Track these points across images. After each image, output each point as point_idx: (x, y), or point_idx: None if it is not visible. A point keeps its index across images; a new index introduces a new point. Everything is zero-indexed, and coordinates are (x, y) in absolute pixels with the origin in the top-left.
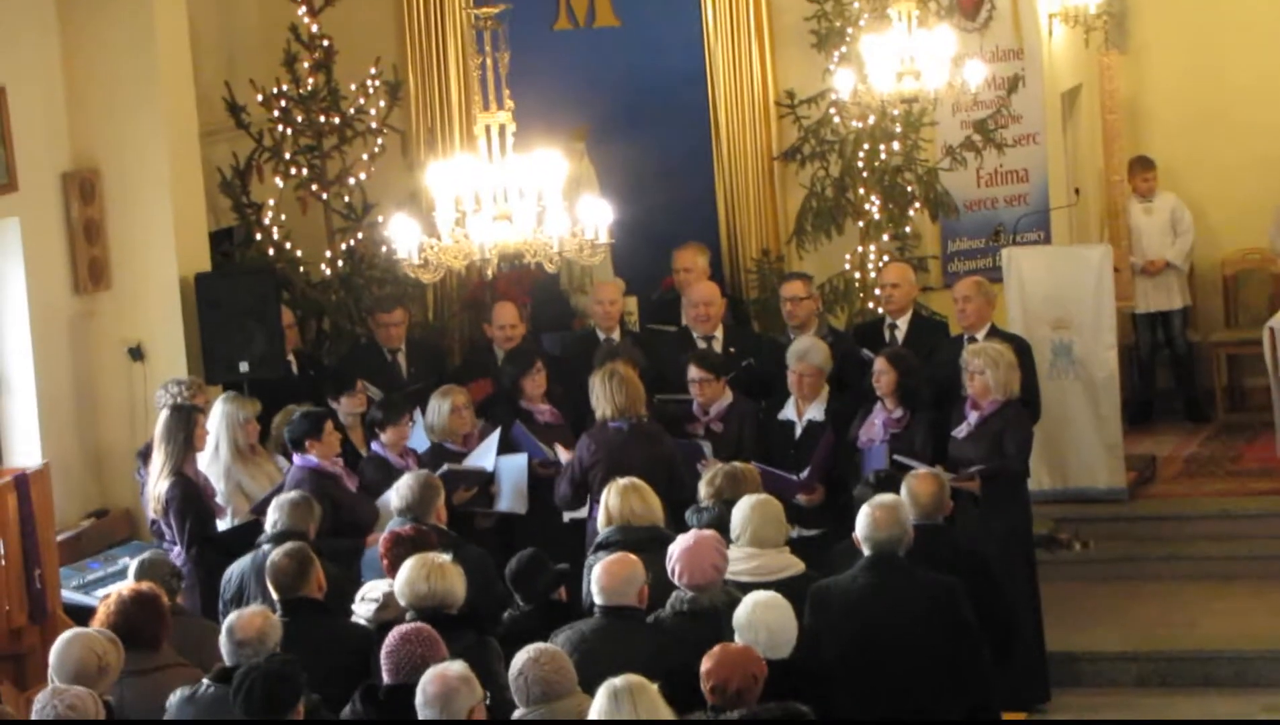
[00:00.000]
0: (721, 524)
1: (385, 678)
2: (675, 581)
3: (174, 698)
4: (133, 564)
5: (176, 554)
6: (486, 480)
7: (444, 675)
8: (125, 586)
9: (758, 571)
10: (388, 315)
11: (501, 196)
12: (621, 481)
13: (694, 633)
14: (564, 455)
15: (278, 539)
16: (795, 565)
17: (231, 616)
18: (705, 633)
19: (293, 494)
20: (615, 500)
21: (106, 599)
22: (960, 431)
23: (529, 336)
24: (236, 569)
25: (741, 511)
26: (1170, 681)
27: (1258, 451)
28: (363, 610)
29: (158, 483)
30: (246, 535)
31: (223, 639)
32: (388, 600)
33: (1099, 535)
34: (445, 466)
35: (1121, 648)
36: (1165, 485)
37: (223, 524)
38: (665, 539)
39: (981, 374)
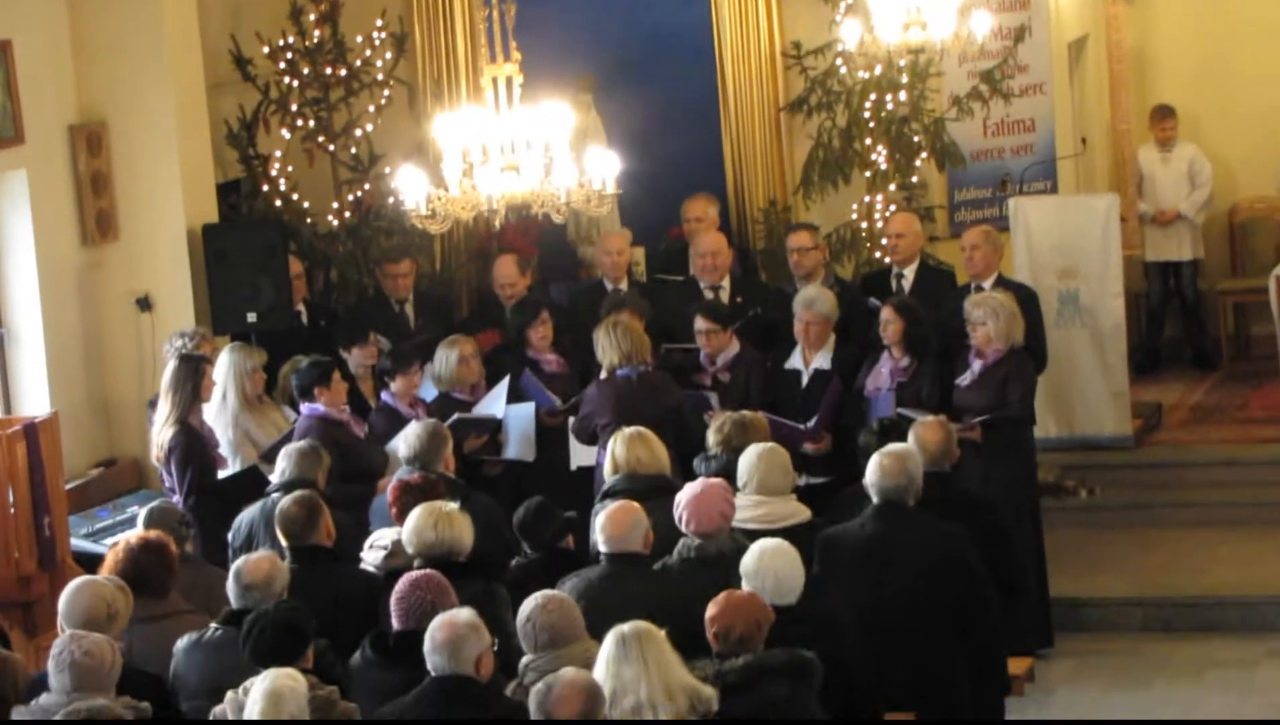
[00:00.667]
0: (729, 472)
1: (395, 624)
2: (683, 528)
3: (181, 643)
4: (141, 512)
5: (175, 502)
6: (496, 428)
7: (452, 622)
8: (134, 534)
9: (764, 519)
10: (395, 266)
11: (509, 148)
12: (628, 430)
13: (701, 579)
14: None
15: (287, 488)
16: (802, 513)
17: (239, 561)
18: (712, 579)
19: (301, 443)
20: (621, 449)
21: (115, 547)
22: (964, 380)
23: (536, 286)
24: (246, 517)
25: (748, 459)
26: (1174, 626)
27: (1264, 399)
28: (371, 558)
29: (162, 431)
30: (246, 483)
31: (230, 583)
32: (396, 548)
33: (1105, 482)
34: (455, 415)
35: (1126, 593)
36: (1171, 432)
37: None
38: (671, 487)
39: (984, 324)
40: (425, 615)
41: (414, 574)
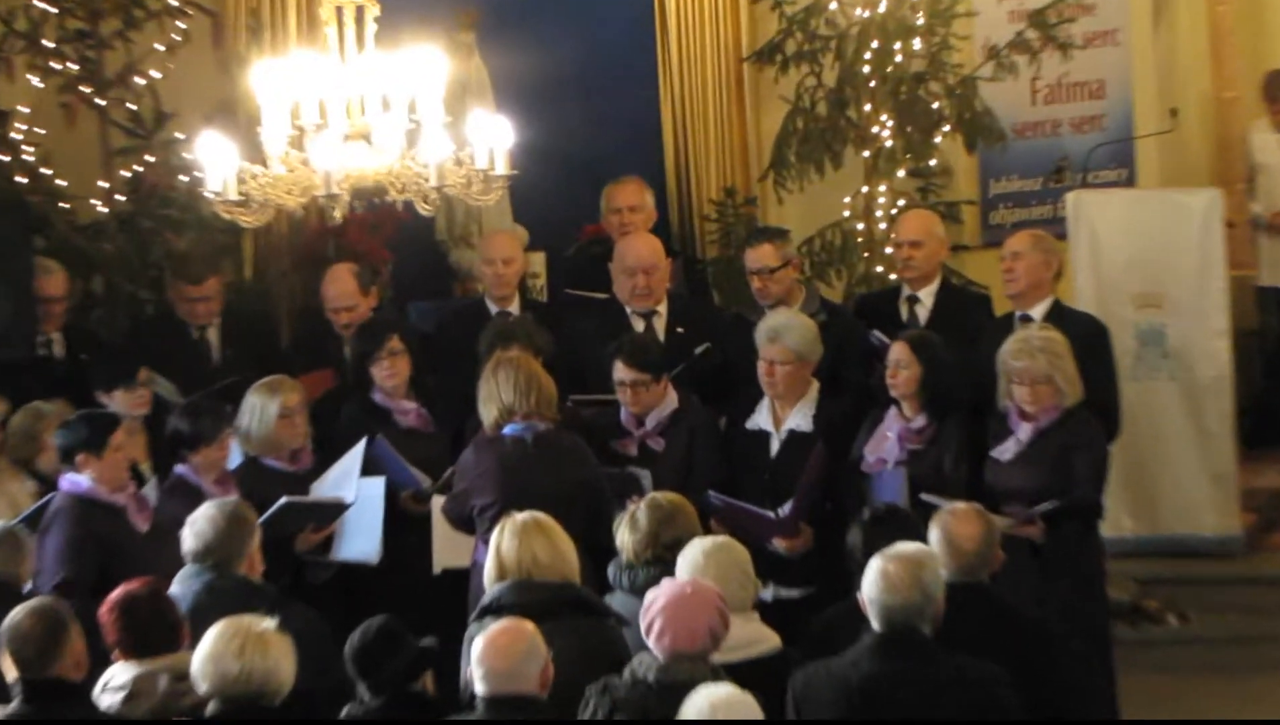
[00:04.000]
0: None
1: None
2: (651, 642)
3: None
4: None
5: None
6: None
7: None
8: None
9: None
10: (196, 288)
11: (357, 107)
12: (520, 517)
13: (655, 713)
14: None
15: None
16: (768, 639)
17: None
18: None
19: None
20: (510, 544)
21: None
22: (1005, 452)
23: (387, 307)
24: None
25: (691, 559)
26: None
27: None
28: (106, 701)
29: None
30: None
31: None
32: (138, 687)
33: (1203, 604)
34: (285, 499)
35: None
36: None
37: None
38: (582, 601)
39: (1047, 382)
40: None
41: None
